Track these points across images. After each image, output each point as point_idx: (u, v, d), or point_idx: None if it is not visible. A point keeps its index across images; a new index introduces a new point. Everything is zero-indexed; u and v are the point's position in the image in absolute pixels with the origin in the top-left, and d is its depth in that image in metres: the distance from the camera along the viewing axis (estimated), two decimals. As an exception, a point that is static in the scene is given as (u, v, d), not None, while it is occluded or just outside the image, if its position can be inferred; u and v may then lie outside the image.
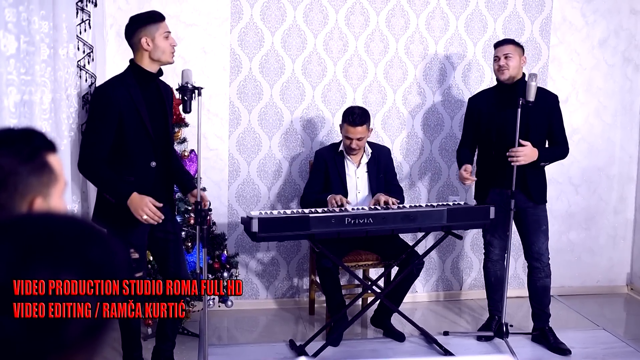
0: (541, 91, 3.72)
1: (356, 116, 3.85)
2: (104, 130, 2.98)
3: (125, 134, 3.02)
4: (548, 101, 3.76)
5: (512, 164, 3.63)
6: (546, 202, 3.89)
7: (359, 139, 3.89)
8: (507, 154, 3.64)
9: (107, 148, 3.00)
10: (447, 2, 4.52)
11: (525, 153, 3.63)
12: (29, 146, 1.20)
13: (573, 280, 4.95)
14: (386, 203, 3.72)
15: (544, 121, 3.77)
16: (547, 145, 3.83)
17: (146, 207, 2.93)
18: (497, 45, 3.84)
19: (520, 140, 3.61)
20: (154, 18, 3.09)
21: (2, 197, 1.15)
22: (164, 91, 3.23)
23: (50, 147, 1.24)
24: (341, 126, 3.96)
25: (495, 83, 3.92)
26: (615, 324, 4.39)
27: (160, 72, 3.17)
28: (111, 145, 3.02)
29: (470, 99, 4.07)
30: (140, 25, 3.07)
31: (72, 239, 0.87)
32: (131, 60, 3.12)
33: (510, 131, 3.64)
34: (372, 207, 3.72)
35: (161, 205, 2.99)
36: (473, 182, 3.93)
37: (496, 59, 3.81)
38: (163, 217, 3.00)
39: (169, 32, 3.12)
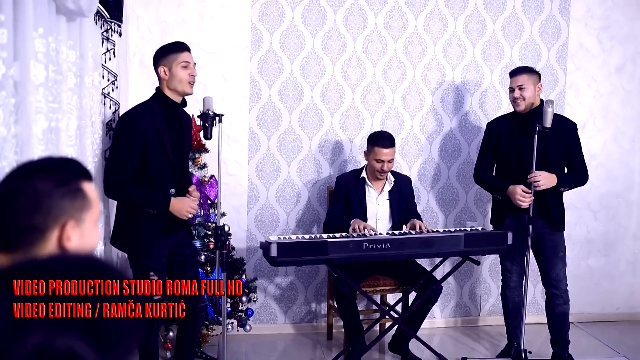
0: (559, 118, 3.74)
1: (386, 139, 3.92)
2: (129, 157, 3.03)
3: (149, 160, 3.07)
4: (566, 128, 3.78)
5: (536, 188, 3.64)
6: (564, 229, 3.89)
7: (389, 161, 3.93)
8: (528, 179, 3.65)
9: (132, 173, 3.05)
10: (463, 30, 4.58)
11: (543, 177, 3.64)
12: (64, 172, 1.25)
13: (592, 306, 4.91)
14: (420, 228, 3.76)
15: (563, 148, 3.79)
16: (566, 172, 3.84)
17: (190, 208, 3.17)
18: (512, 75, 3.85)
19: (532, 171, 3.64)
20: (175, 48, 3.15)
21: (36, 219, 1.20)
22: (184, 120, 3.29)
23: (86, 175, 1.29)
24: (369, 151, 3.97)
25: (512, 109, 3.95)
26: (636, 352, 4.33)
27: (184, 103, 3.23)
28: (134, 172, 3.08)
29: (488, 123, 4.08)
30: (162, 55, 3.15)
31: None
32: (157, 89, 3.19)
33: (528, 157, 3.64)
34: (408, 231, 3.77)
35: (198, 196, 3.25)
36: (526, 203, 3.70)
37: (511, 89, 3.83)
38: (198, 195, 3.27)
39: (188, 62, 3.14)
